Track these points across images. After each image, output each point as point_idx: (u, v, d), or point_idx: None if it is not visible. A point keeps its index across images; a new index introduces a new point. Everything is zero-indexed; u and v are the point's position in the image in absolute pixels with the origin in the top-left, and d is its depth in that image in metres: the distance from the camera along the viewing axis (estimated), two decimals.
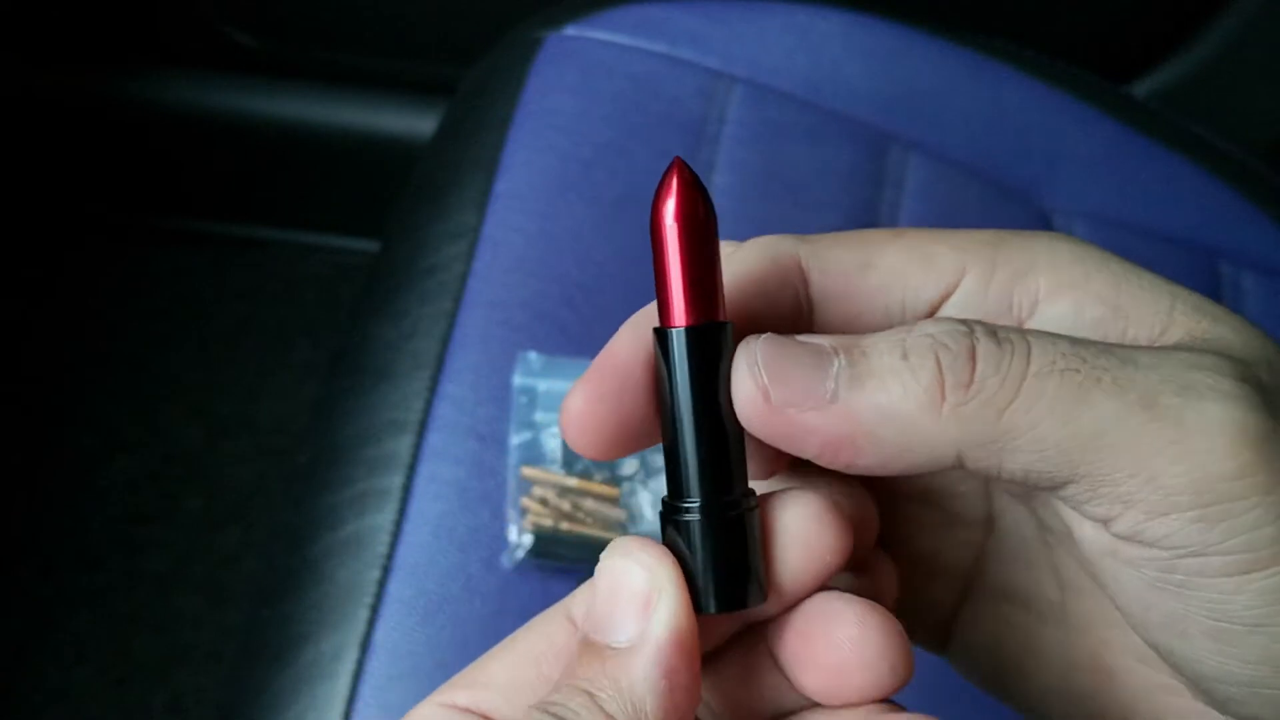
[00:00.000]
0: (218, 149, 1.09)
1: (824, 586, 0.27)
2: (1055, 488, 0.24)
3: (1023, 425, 0.23)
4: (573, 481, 0.59)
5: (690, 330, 0.25)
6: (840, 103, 0.71)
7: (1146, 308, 0.26)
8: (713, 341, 0.25)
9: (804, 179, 0.68)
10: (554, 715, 0.24)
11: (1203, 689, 0.26)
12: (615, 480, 0.59)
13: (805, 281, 0.27)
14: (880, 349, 0.24)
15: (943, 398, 0.24)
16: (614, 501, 0.59)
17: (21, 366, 1.14)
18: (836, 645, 0.25)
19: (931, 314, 0.27)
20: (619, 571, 0.25)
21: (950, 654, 0.33)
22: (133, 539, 1.06)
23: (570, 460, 0.59)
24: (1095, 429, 0.23)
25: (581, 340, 0.61)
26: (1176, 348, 0.25)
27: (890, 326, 0.27)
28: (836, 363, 0.24)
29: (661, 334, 0.25)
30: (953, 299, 0.27)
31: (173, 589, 1.04)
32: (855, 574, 0.30)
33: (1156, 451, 0.23)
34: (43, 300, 1.17)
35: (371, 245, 1.13)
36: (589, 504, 0.59)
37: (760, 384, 0.24)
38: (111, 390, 1.13)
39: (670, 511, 0.26)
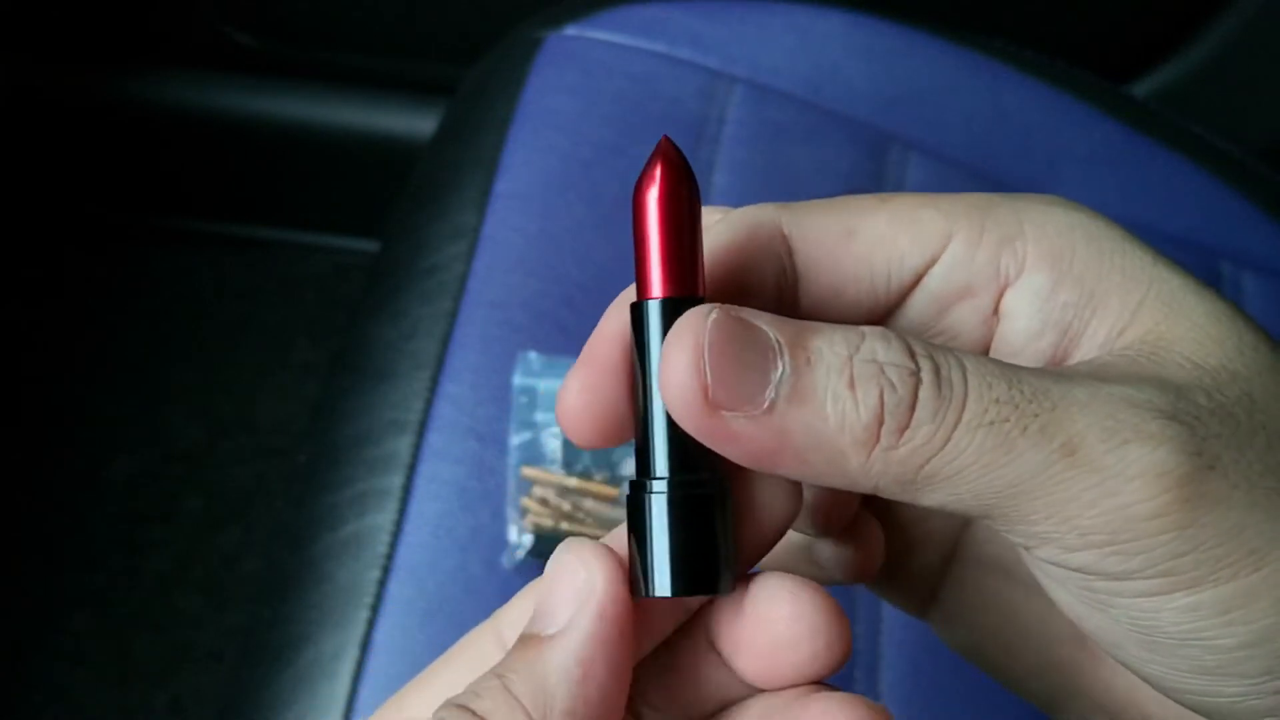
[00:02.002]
0: (218, 149, 1.09)
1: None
2: (971, 518, 0.25)
3: (943, 474, 0.23)
4: (573, 481, 0.59)
5: (666, 302, 0.24)
6: (840, 103, 0.71)
7: (1117, 298, 0.26)
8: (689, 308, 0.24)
9: (804, 179, 0.68)
10: (458, 704, 0.24)
11: (1157, 690, 0.26)
12: (615, 480, 0.59)
13: (789, 250, 0.27)
14: (827, 362, 0.23)
15: (877, 440, 0.23)
16: (614, 501, 0.59)
17: (21, 366, 1.14)
18: (770, 624, 0.25)
19: (917, 281, 0.27)
20: (561, 566, 0.25)
21: (933, 620, 0.33)
22: (133, 539, 1.06)
23: (570, 460, 0.59)
24: (1014, 479, 0.23)
25: (581, 340, 0.61)
26: (1111, 377, 0.24)
27: (875, 296, 0.27)
28: (780, 367, 0.23)
29: (637, 307, 0.25)
30: (939, 265, 0.27)
31: (173, 589, 1.04)
32: (841, 539, 0.30)
33: (1073, 497, 0.23)
34: (43, 300, 1.17)
35: (371, 245, 1.13)
36: (589, 504, 0.59)
37: (702, 381, 0.23)
38: (111, 390, 1.13)
39: (636, 490, 0.25)
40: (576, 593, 0.25)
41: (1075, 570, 0.24)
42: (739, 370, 0.23)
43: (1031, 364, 0.27)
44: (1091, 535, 0.23)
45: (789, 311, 0.27)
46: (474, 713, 0.24)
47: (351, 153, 1.05)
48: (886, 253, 0.27)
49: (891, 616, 0.57)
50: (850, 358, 0.23)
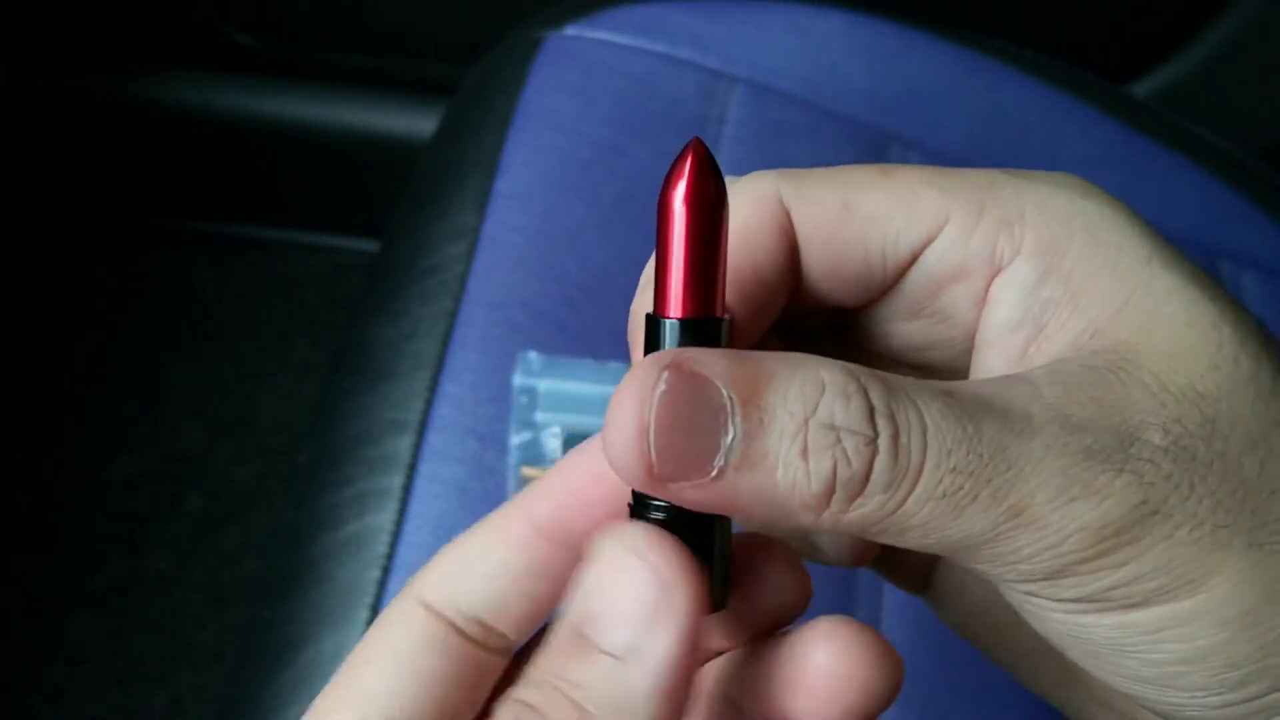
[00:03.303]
0: (218, 149, 1.09)
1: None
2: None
3: (889, 531, 0.23)
4: None
5: (685, 323, 0.24)
6: (840, 103, 0.71)
7: (1098, 300, 0.25)
8: (707, 337, 0.24)
9: None
10: (523, 702, 0.24)
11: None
12: None
13: (792, 224, 0.26)
14: (781, 425, 0.22)
15: (827, 506, 0.23)
16: None
17: (21, 366, 1.14)
18: (829, 670, 0.25)
19: (913, 259, 0.26)
20: (625, 569, 0.24)
21: (929, 599, 0.33)
22: (133, 539, 1.06)
23: None
24: (959, 538, 0.23)
25: (581, 340, 0.61)
26: (1074, 417, 0.23)
27: (871, 273, 0.27)
28: (732, 431, 0.22)
29: (654, 322, 0.24)
30: (934, 245, 0.26)
31: (173, 589, 1.04)
32: None
33: (1014, 550, 0.23)
34: (43, 300, 1.17)
35: (371, 245, 1.13)
36: None
37: (646, 459, 0.22)
38: (111, 390, 1.13)
39: (640, 507, 0.25)
40: (648, 609, 0.23)
41: (1010, 589, 0.25)
42: (686, 442, 0.22)
43: (1003, 357, 0.26)
44: (1030, 576, 0.24)
45: (794, 287, 0.27)
46: None
47: (351, 153, 1.05)
48: (883, 230, 0.26)
49: (891, 616, 0.57)
50: (806, 420, 0.22)
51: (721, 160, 0.69)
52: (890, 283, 0.27)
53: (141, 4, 1.01)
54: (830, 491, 0.22)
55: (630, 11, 0.73)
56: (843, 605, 0.57)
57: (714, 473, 0.22)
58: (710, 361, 0.22)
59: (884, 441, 0.22)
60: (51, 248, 1.18)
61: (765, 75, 0.72)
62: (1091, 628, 0.24)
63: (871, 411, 0.22)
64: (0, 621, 1.02)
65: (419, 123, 1.00)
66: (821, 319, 0.29)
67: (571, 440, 0.60)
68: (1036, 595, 0.24)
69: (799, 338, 0.30)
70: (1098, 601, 0.24)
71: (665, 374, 0.22)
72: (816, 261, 0.27)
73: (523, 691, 0.24)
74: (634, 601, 0.23)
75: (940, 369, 0.29)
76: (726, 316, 0.24)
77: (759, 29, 0.73)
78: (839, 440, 0.22)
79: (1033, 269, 0.26)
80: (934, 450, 0.22)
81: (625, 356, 0.61)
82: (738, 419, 0.22)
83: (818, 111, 0.71)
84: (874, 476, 0.22)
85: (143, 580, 1.04)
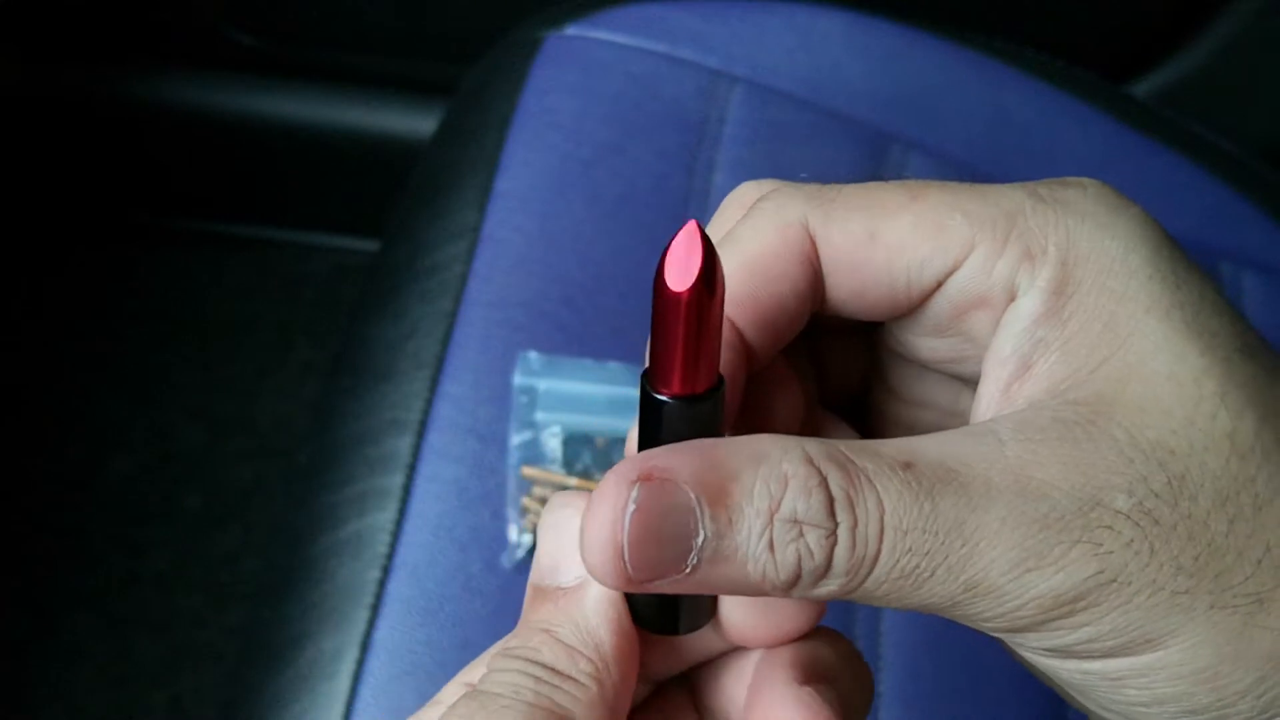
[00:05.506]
0: (218, 149, 1.09)
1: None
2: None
3: (858, 601, 0.24)
4: (573, 481, 0.59)
5: (683, 399, 0.24)
6: (840, 103, 0.71)
7: (1085, 351, 0.25)
8: (703, 407, 0.24)
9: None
10: (518, 656, 0.25)
11: None
12: None
13: (816, 252, 0.27)
14: (749, 524, 0.23)
15: (794, 588, 0.24)
16: None
17: (21, 366, 1.14)
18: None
19: (938, 286, 0.27)
20: (562, 522, 0.27)
21: None
22: (133, 539, 1.06)
23: (570, 460, 0.59)
24: (919, 605, 0.24)
25: (581, 340, 0.61)
26: (1034, 480, 0.24)
27: (895, 300, 0.27)
28: (702, 533, 0.23)
29: (649, 395, 0.25)
30: (958, 274, 0.26)
31: (173, 589, 1.04)
32: None
33: (977, 612, 0.24)
34: (43, 300, 1.17)
35: (371, 245, 1.13)
36: None
37: (624, 571, 0.24)
38: (111, 390, 1.13)
39: None
40: (581, 535, 0.25)
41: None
42: (660, 551, 0.23)
43: (993, 387, 0.27)
44: (993, 629, 0.25)
45: (816, 307, 0.27)
46: (543, 665, 0.25)
47: (351, 153, 1.05)
48: (907, 259, 0.26)
49: (891, 618, 0.57)
50: (771, 515, 0.23)
51: (721, 160, 0.69)
52: (915, 305, 0.27)
53: (141, 4, 1.01)
54: (796, 578, 0.24)
55: (630, 11, 0.73)
56: (844, 606, 0.57)
57: (688, 569, 0.24)
58: (678, 466, 0.23)
59: (843, 532, 0.23)
60: (51, 248, 1.18)
61: (765, 75, 0.72)
62: (1059, 669, 0.25)
63: (831, 504, 0.23)
64: (0, 621, 1.02)
65: (419, 123, 1.00)
66: (849, 326, 0.29)
67: (571, 440, 0.60)
68: (1005, 641, 0.25)
69: (827, 337, 0.30)
70: (1060, 652, 0.25)
71: (635, 490, 0.23)
72: (842, 286, 0.27)
73: (505, 647, 0.26)
74: (570, 539, 0.26)
75: (970, 379, 0.29)
76: (720, 381, 0.25)
77: (759, 29, 0.73)
78: (801, 534, 0.23)
79: (1038, 306, 0.26)
80: (890, 535, 0.23)
81: (625, 356, 0.61)
82: (707, 520, 0.23)
83: (818, 111, 0.71)
84: (834, 564, 0.23)
85: (143, 580, 1.04)
